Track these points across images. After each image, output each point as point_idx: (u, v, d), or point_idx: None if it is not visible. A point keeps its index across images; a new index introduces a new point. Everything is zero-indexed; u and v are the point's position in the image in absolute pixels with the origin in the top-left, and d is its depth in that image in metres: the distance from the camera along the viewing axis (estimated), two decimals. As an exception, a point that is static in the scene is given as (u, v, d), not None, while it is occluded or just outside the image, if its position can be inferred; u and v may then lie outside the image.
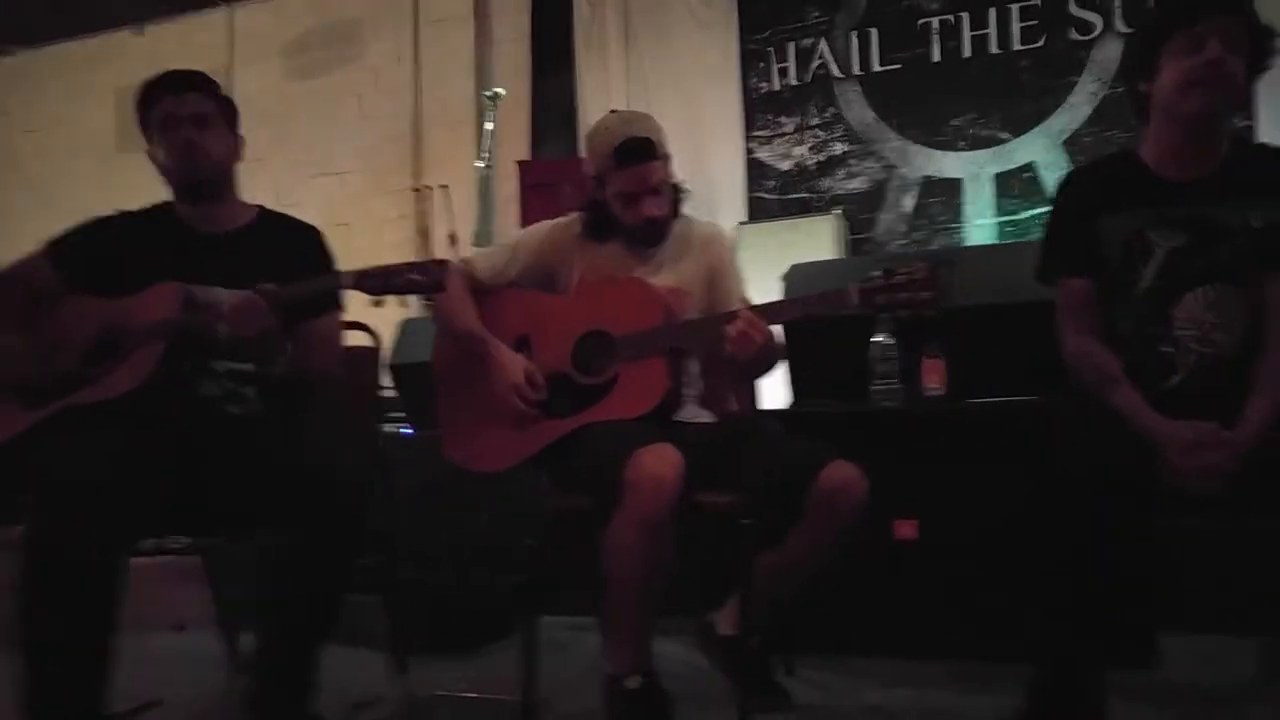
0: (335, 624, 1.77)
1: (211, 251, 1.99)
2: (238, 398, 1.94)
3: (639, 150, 2.00)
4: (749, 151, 5.56)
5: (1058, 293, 1.82)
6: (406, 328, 3.25)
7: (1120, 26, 4.72)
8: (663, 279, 2.07)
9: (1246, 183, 1.70)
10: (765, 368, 2.04)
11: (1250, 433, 1.58)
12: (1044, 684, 1.64)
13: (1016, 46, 5.06)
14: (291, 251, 2.03)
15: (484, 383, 2.06)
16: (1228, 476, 1.56)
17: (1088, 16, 4.93)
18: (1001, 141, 5.08)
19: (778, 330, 1.91)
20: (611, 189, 2.05)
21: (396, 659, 2.25)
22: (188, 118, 1.95)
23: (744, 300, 2.08)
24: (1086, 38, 4.90)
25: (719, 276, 2.13)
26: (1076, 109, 4.92)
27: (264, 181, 5.92)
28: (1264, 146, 1.97)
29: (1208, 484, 1.57)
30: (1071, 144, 4.92)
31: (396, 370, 3.23)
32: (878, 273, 1.78)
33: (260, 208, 2.11)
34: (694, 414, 2.10)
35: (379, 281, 1.80)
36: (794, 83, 5.48)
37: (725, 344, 1.85)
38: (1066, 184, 1.87)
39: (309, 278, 1.89)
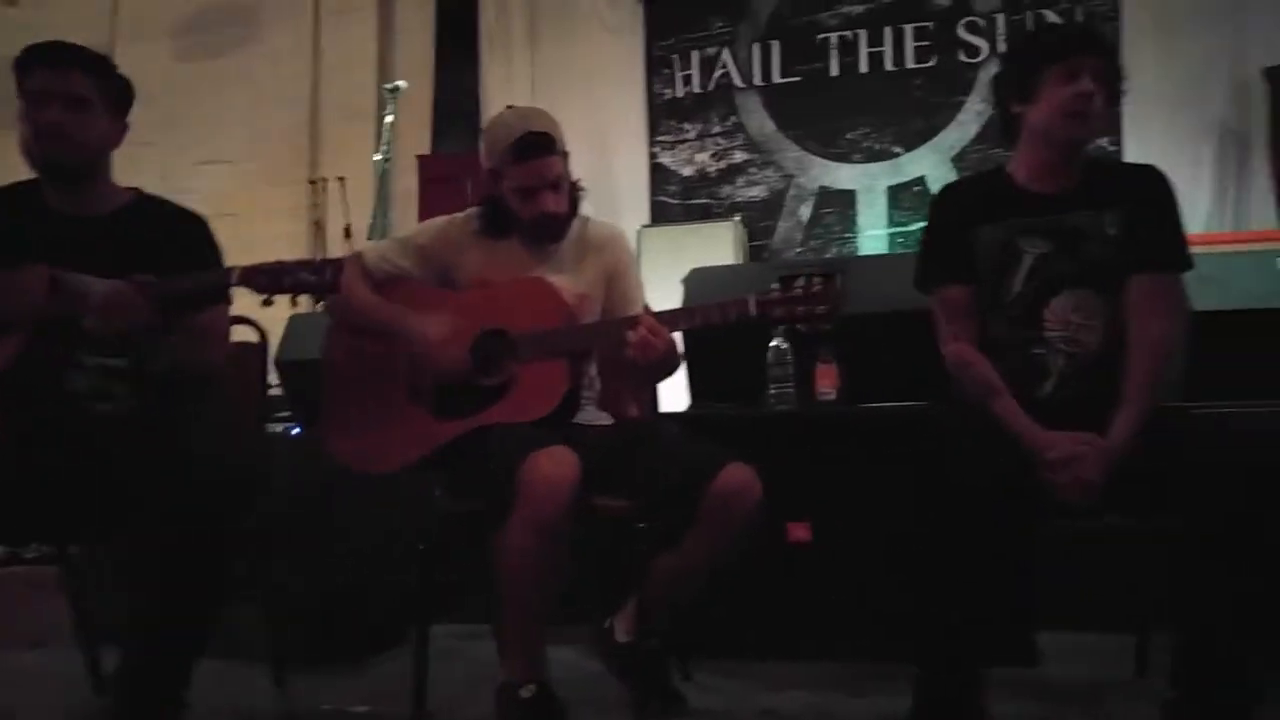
0: (208, 636, 1.68)
1: (80, 236, 1.85)
2: (107, 394, 1.82)
3: (537, 145, 1.98)
4: (652, 156, 5.61)
5: (936, 301, 1.91)
6: (295, 324, 3.14)
7: (1004, 51, 4.98)
8: (562, 279, 2.05)
9: (1102, 195, 1.84)
10: (665, 373, 2.04)
11: (1119, 442, 1.67)
12: (928, 683, 1.70)
13: (910, 65, 5.26)
14: (171, 240, 1.90)
15: (379, 377, 2.00)
16: (1097, 489, 1.64)
17: (975, 40, 5.17)
18: (894, 155, 5.26)
19: (677, 335, 1.91)
20: (508, 183, 2.02)
21: (276, 672, 2.16)
22: (62, 96, 1.80)
23: (643, 303, 2.08)
24: (974, 60, 5.15)
25: (618, 278, 2.12)
26: (965, 126, 5.14)
27: (149, 167, 5.63)
28: (1116, 163, 2.15)
29: (1079, 496, 1.65)
30: (960, 159, 5.14)
31: (284, 367, 3.13)
32: (776, 285, 1.82)
33: (137, 191, 1.98)
34: (593, 417, 2.08)
35: (268, 279, 1.72)
36: (697, 90, 5.56)
37: (627, 349, 1.84)
38: (941, 198, 1.99)
39: (192, 271, 1.79)
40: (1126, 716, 1.93)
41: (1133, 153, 4.78)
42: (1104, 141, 4.78)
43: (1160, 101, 4.78)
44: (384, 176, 4.83)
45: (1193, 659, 1.63)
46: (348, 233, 5.10)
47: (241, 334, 2.15)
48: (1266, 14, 4.72)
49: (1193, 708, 1.61)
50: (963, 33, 5.17)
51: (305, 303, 2.84)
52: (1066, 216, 1.84)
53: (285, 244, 5.68)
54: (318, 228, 5.37)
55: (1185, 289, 1.90)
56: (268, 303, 1.74)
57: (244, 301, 1.91)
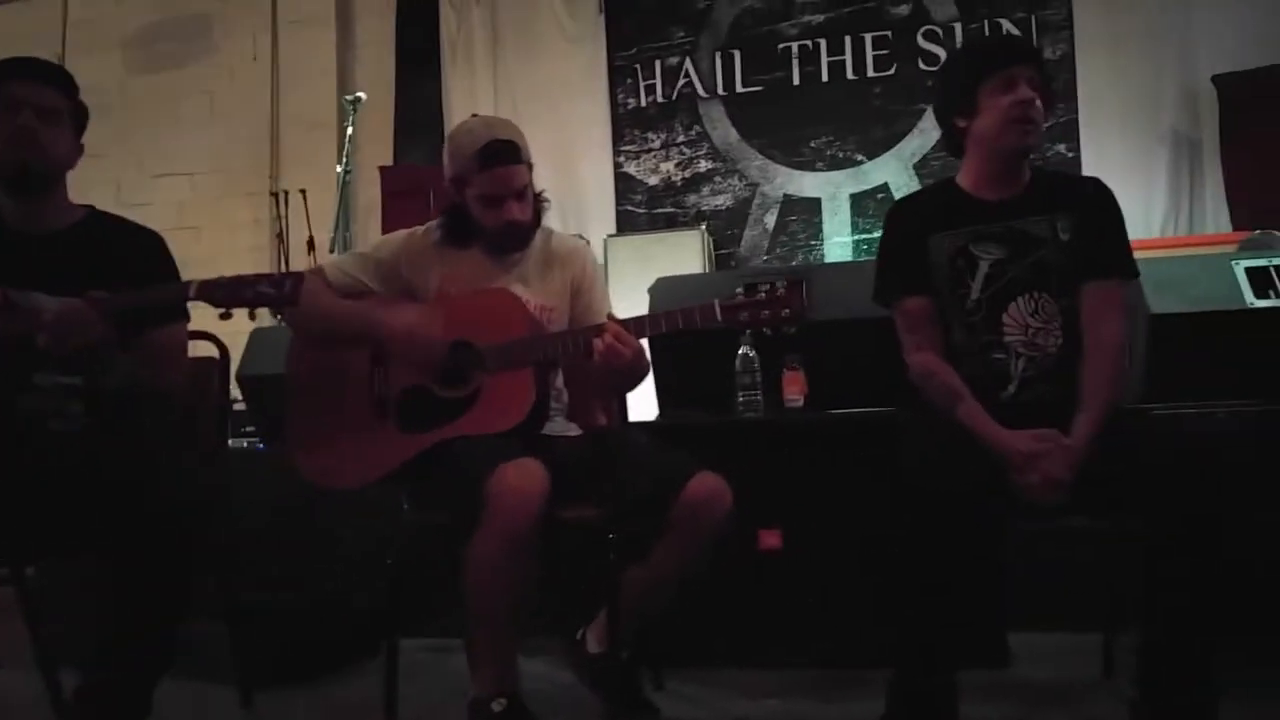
0: (170, 656, 1.65)
1: (32, 253, 1.82)
2: (61, 413, 1.78)
3: (503, 153, 1.98)
4: (617, 165, 5.61)
5: (895, 313, 1.94)
6: (257, 338, 3.10)
7: (938, 69, 5.05)
8: (526, 290, 2.04)
9: (1050, 200, 1.90)
10: (633, 381, 2.04)
11: (1081, 442, 1.70)
12: (901, 687, 1.71)
13: (870, 74, 5.31)
14: (125, 257, 1.88)
15: (344, 392, 1.98)
16: (1065, 486, 1.66)
17: (934, 49, 5.24)
18: (857, 163, 5.31)
19: (643, 344, 1.91)
20: (473, 191, 2.00)
21: (243, 691, 2.12)
22: (35, 106, 1.80)
23: (609, 315, 2.08)
24: (933, 68, 5.21)
25: (583, 290, 2.11)
26: (926, 134, 5.20)
27: (103, 180, 5.58)
28: (1061, 173, 2.25)
29: (1048, 495, 1.67)
30: (921, 167, 5.20)
31: (246, 383, 3.08)
32: (740, 290, 1.83)
33: (90, 208, 1.96)
34: (561, 428, 2.07)
35: (226, 293, 1.69)
36: (660, 100, 5.58)
37: (594, 356, 1.83)
38: (894, 213, 2.03)
39: (147, 286, 1.76)
40: (1095, 716, 1.95)
41: (1089, 160, 4.88)
42: (1061, 148, 4.88)
43: (1114, 109, 4.90)
44: (346, 188, 4.78)
45: (1155, 658, 1.65)
46: (310, 245, 5.05)
47: (202, 349, 2.12)
48: (1214, 22, 4.83)
49: (1157, 706, 1.64)
50: (922, 41, 5.23)
51: (265, 316, 2.81)
52: (1018, 222, 1.88)
53: (247, 257, 5.63)
54: (280, 240, 5.31)
55: (1138, 293, 1.93)
56: (225, 316, 1.71)
57: (204, 317, 1.88)
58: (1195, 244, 4.16)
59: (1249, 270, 2.49)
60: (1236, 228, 4.31)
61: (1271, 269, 2.50)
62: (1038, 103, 1.85)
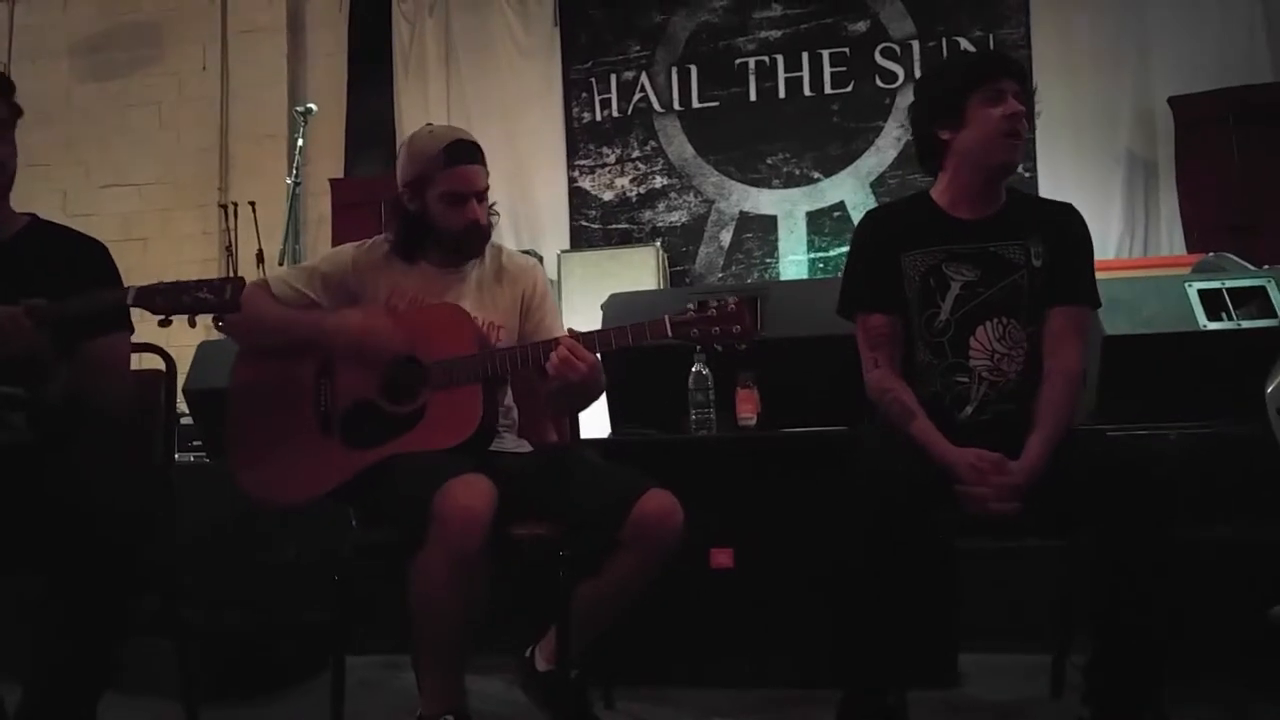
0: (110, 672, 1.61)
1: None
2: (3, 423, 1.73)
3: (469, 151, 1.98)
4: (572, 180, 5.59)
5: (857, 328, 1.92)
6: (205, 351, 3.04)
7: (921, 77, 5.09)
8: (474, 306, 2.02)
9: (1025, 224, 1.88)
10: (588, 397, 2.02)
11: (1030, 464, 1.70)
12: (852, 705, 1.70)
13: (828, 90, 5.34)
14: (67, 266, 1.83)
15: (287, 407, 1.93)
16: (1014, 496, 1.66)
17: (891, 66, 5.29)
18: (813, 181, 5.33)
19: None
20: (436, 190, 1.98)
21: (188, 709, 2.06)
22: None
23: (561, 332, 2.06)
24: (890, 86, 5.26)
25: (533, 309, 2.09)
26: (883, 152, 5.25)
27: (49, 190, 5.46)
28: (1035, 197, 2.23)
29: (995, 507, 1.66)
30: (878, 185, 5.24)
31: (193, 396, 3.02)
32: (692, 306, 1.82)
33: (32, 216, 1.91)
34: (512, 444, 2.05)
35: (165, 299, 1.65)
36: (616, 114, 5.57)
37: (548, 370, 1.81)
38: (866, 225, 2.00)
39: (85, 294, 1.71)
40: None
41: (1046, 180, 4.93)
42: (1019, 168, 4.91)
43: (1070, 130, 4.93)
44: (296, 201, 4.72)
45: (1105, 676, 1.65)
46: (260, 258, 4.98)
47: (149, 362, 2.06)
48: (1170, 44, 4.91)
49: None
50: (879, 59, 5.28)
51: (207, 326, 2.71)
52: (992, 245, 1.86)
53: (196, 269, 5.53)
54: (229, 253, 5.23)
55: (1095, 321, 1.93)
56: (165, 323, 1.67)
57: (152, 330, 1.83)
58: (1150, 265, 4.22)
59: (1202, 292, 2.52)
60: (1191, 250, 4.37)
61: (1224, 291, 2.52)
62: (1022, 118, 1.83)
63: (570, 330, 1.91)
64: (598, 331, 1.90)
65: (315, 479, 1.90)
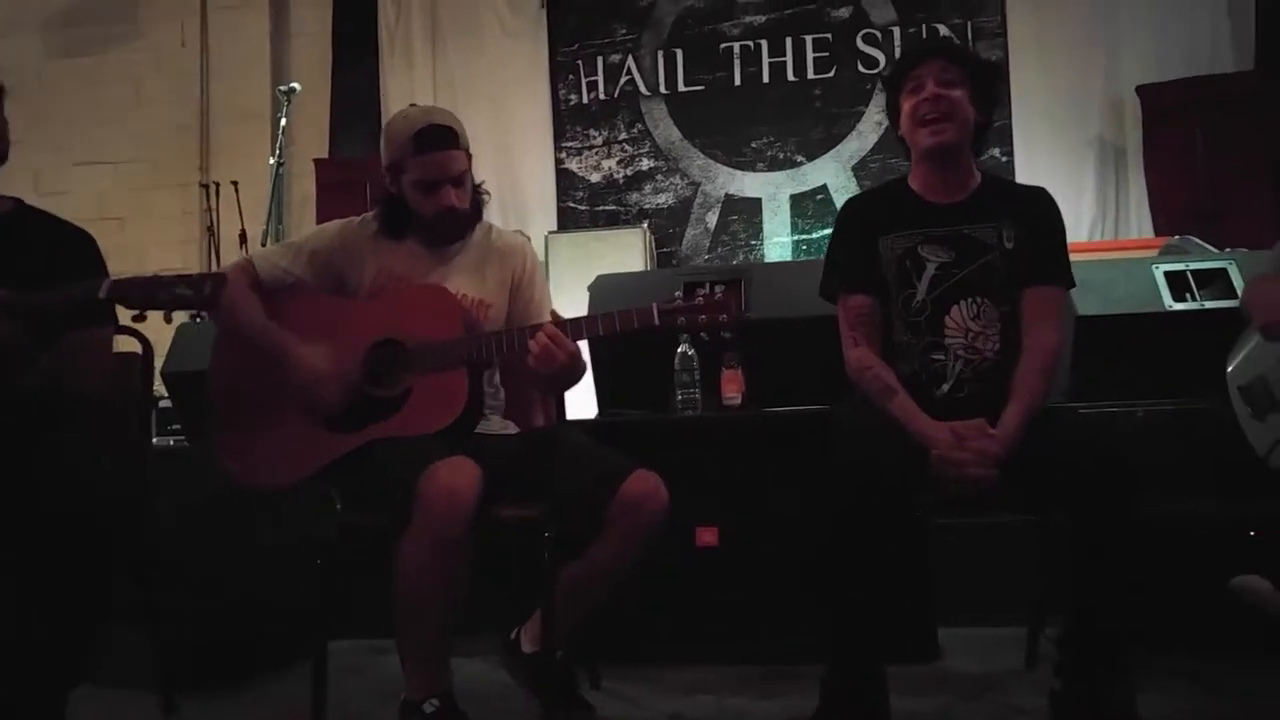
0: (86, 663, 1.59)
1: None
2: None
3: (439, 137, 1.95)
4: (559, 162, 5.58)
5: (839, 308, 1.96)
6: (183, 333, 3.02)
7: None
8: (462, 284, 2.01)
9: (997, 207, 1.94)
10: (568, 383, 2.02)
11: (1006, 434, 1.74)
12: (834, 681, 1.73)
13: (811, 75, 5.37)
14: (53, 256, 1.80)
15: (270, 390, 1.92)
16: (992, 464, 1.69)
17: (872, 52, 5.31)
18: (797, 164, 5.36)
19: (582, 344, 1.89)
20: (409, 176, 1.97)
21: (165, 697, 2.05)
22: None
23: (553, 313, 2.06)
24: (872, 72, 5.29)
25: (522, 287, 2.09)
26: (864, 136, 5.28)
27: (21, 167, 5.34)
28: (1009, 181, 2.35)
29: (972, 472, 1.69)
30: (860, 169, 5.27)
31: (172, 379, 3.00)
32: (679, 293, 1.84)
33: (18, 201, 1.87)
34: (498, 426, 2.05)
35: (142, 294, 1.62)
36: (602, 97, 5.56)
37: (528, 359, 1.81)
38: (847, 210, 2.05)
39: (59, 285, 1.68)
40: (1018, 705, 1.99)
41: (1021, 165, 5.02)
42: (995, 152, 4.99)
43: (1044, 116, 5.04)
44: (279, 181, 4.67)
45: (1077, 649, 1.70)
46: (243, 238, 4.93)
47: (125, 344, 2.04)
48: (1138, 34, 5.01)
49: (1078, 694, 1.69)
50: (861, 44, 5.31)
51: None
52: (965, 228, 1.92)
53: (175, 250, 5.47)
54: (210, 233, 5.17)
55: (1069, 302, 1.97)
56: (139, 318, 1.64)
57: (126, 313, 1.81)
58: (1120, 248, 4.33)
59: (1168, 274, 2.62)
60: (1159, 233, 4.47)
61: (1189, 273, 2.61)
62: (945, 98, 1.87)
63: (555, 315, 1.90)
64: (585, 318, 1.90)
65: (300, 462, 1.89)
